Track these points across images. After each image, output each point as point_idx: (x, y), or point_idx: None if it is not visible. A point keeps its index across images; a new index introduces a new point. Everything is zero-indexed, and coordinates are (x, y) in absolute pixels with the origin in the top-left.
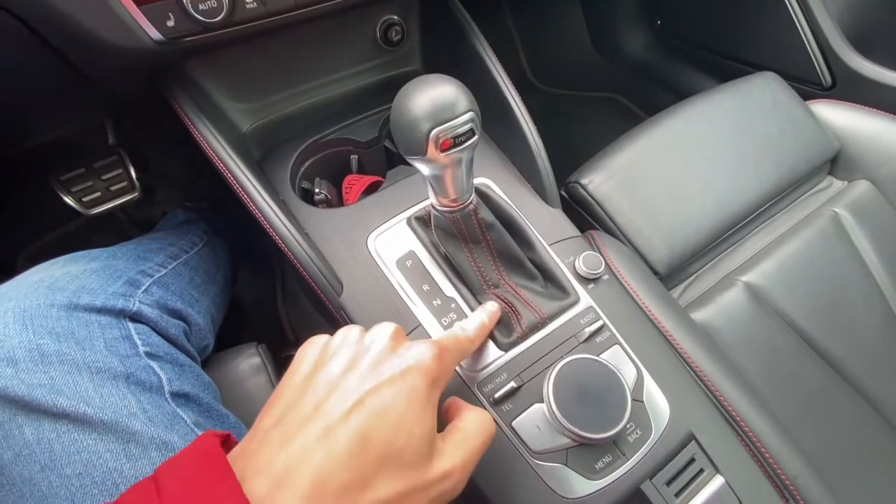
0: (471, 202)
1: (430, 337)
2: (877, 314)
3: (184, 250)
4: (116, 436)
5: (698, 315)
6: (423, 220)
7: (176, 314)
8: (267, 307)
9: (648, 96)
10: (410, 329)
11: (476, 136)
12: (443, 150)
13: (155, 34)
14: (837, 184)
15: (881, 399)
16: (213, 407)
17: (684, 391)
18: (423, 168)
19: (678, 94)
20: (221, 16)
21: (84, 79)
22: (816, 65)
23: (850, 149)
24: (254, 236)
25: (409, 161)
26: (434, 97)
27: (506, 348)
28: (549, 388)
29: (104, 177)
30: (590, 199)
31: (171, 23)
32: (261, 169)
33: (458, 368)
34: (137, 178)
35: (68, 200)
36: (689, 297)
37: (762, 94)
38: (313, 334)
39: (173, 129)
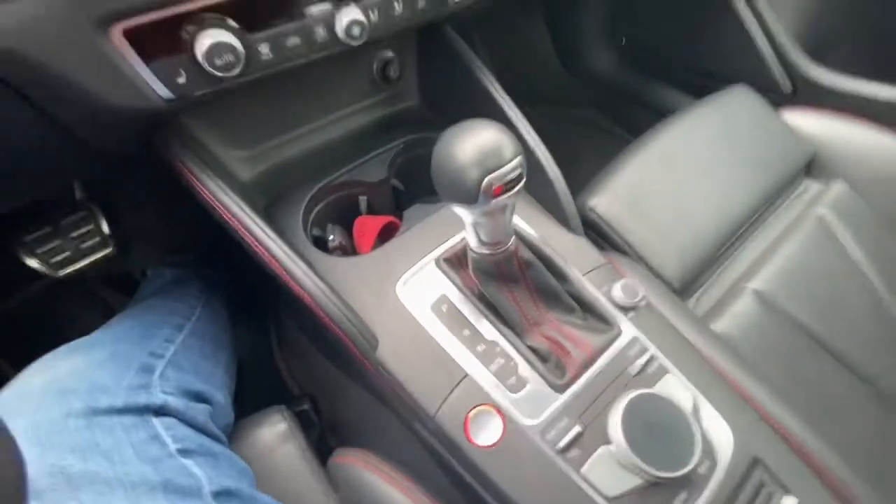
0: (512, 243)
1: (481, 387)
2: (870, 306)
3: (186, 317)
4: None
5: (716, 326)
6: (451, 262)
7: (199, 397)
8: (262, 358)
9: (621, 112)
10: (457, 381)
11: (524, 180)
12: (494, 197)
13: (164, 92)
14: (815, 186)
15: (887, 388)
16: (255, 497)
17: (740, 414)
18: (469, 215)
19: (650, 108)
20: (238, 69)
21: (69, 138)
22: (777, 74)
23: (823, 153)
24: (249, 288)
25: (454, 208)
26: (481, 144)
27: (560, 390)
28: (618, 430)
29: (73, 234)
30: (599, 221)
31: (181, 79)
32: (269, 218)
33: (517, 418)
34: (111, 234)
35: (33, 264)
36: (703, 307)
37: (740, 106)
38: (323, 387)
39: (150, 182)
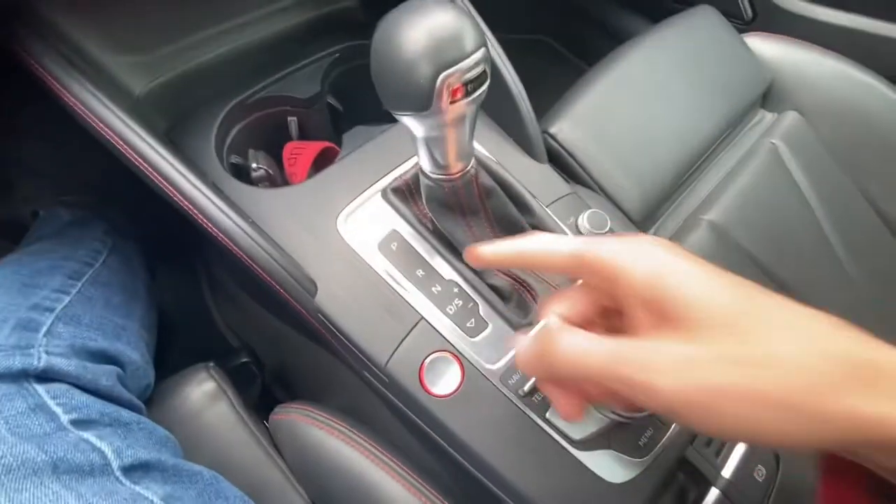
0: (472, 167)
1: (437, 331)
2: (813, 236)
3: (86, 263)
4: None
5: None
6: (401, 192)
7: (103, 357)
8: (193, 310)
9: (578, 37)
10: (410, 326)
11: (489, 81)
12: (452, 102)
13: None
14: (769, 116)
15: None
16: (180, 467)
17: None
18: (420, 127)
19: (609, 34)
20: None
21: None
22: None
23: (779, 81)
24: (169, 229)
25: (400, 118)
26: (434, 30)
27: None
28: None
29: None
30: (560, 149)
31: None
32: (172, 142)
33: (476, 364)
34: None
35: None
36: None
37: (704, 28)
38: (265, 337)
39: (28, 102)
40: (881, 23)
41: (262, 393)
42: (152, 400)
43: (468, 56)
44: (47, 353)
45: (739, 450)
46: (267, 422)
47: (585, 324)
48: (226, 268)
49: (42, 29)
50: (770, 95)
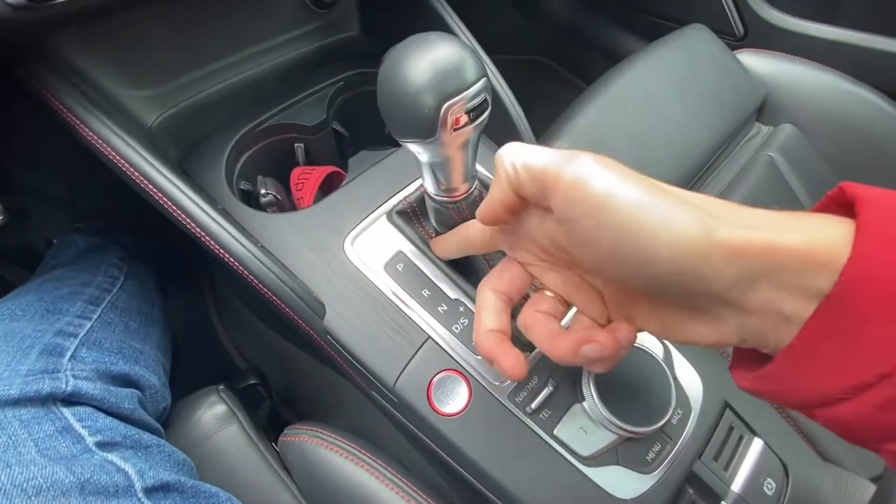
0: (475, 188)
1: (444, 350)
2: None
3: (104, 289)
4: None
5: None
6: (405, 214)
7: (124, 381)
8: (201, 331)
9: (574, 57)
10: (418, 345)
11: (489, 108)
12: (455, 129)
13: None
14: (764, 129)
15: None
16: (198, 489)
17: (709, 361)
18: (425, 154)
19: (603, 53)
20: None
21: None
22: (730, 15)
23: (774, 95)
24: (180, 254)
25: (406, 145)
26: (437, 62)
27: (530, 347)
28: (591, 387)
29: None
30: None
31: None
32: (184, 171)
33: (484, 381)
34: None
35: None
36: None
37: (697, 46)
38: (273, 358)
39: (40, 132)
40: (869, 35)
41: (269, 414)
42: (166, 422)
43: (470, 86)
44: (73, 377)
45: (748, 463)
46: (276, 443)
47: (516, 293)
48: (235, 290)
49: (59, 66)
50: (765, 109)
